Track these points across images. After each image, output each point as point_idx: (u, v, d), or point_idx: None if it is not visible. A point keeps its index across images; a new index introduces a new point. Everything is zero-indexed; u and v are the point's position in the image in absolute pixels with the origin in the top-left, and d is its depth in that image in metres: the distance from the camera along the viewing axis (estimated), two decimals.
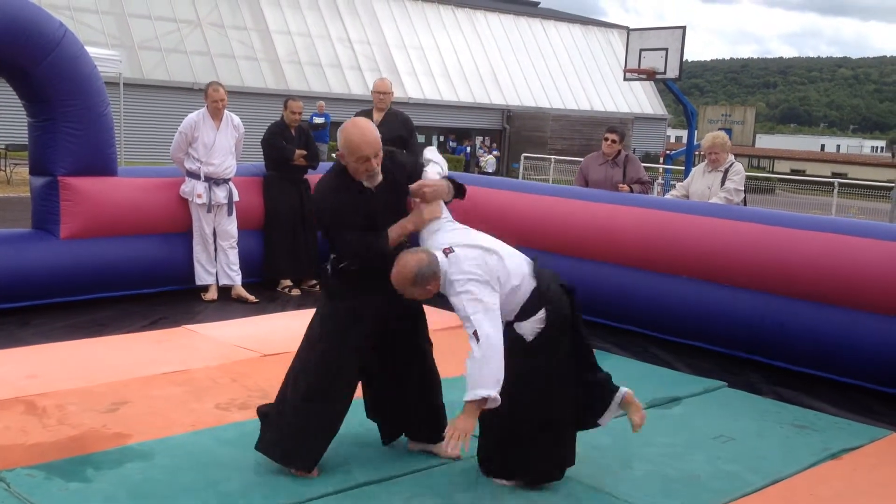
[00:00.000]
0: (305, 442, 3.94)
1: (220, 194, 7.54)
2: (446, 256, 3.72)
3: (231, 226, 7.64)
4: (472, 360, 3.60)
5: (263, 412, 4.11)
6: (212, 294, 7.57)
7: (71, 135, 6.95)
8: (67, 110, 6.91)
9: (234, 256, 7.66)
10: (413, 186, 3.92)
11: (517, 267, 3.84)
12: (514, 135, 36.40)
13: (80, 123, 6.97)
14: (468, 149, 33.70)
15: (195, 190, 7.46)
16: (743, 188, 7.35)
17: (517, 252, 3.97)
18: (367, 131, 3.78)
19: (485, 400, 3.58)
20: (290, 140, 8.05)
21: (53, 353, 5.70)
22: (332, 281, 4.03)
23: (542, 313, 3.82)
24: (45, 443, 4.20)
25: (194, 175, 7.49)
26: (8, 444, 4.15)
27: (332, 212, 3.88)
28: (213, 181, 7.49)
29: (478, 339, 3.59)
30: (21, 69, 6.72)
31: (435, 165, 4.07)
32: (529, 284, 3.84)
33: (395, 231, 3.91)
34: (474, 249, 3.75)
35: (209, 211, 7.51)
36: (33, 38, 6.58)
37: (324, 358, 3.96)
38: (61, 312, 6.78)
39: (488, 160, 31.35)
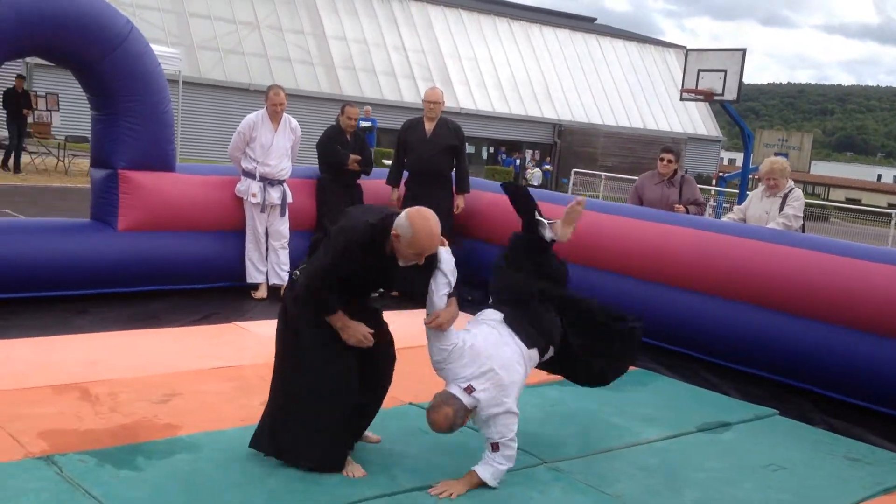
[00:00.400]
0: (337, 443, 4.00)
1: (275, 195, 7.60)
2: (469, 395, 3.95)
3: (283, 226, 7.70)
4: (499, 465, 4.00)
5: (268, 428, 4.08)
6: (261, 293, 7.63)
7: (132, 129, 7.06)
8: (130, 105, 7.03)
9: (284, 256, 7.72)
10: (429, 324, 3.97)
11: (518, 355, 4.14)
12: (565, 149, 36.29)
13: (142, 119, 7.09)
14: (517, 161, 33.68)
15: (250, 189, 7.54)
16: (802, 215, 7.24)
17: (503, 329, 4.20)
18: (435, 235, 3.84)
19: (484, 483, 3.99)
20: (345, 145, 8.10)
21: (109, 341, 5.79)
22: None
23: (551, 349, 4.40)
24: (97, 429, 4.26)
25: (250, 175, 7.56)
26: (62, 429, 4.22)
27: (348, 258, 3.84)
28: (267, 182, 7.55)
29: (506, 453, 4.00)
30: (87, 63, 6.85)
31: (443, 277, 4.06)
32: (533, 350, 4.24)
33: (348, 331, 3.91)
34: (490, 376, 3.99)
35: (263, 211, 7.58)
36: (100, 33, 6.72)
37: (321, 357, 3.96)
38: (117, 302, 6.89)
39: (534, 173, 31.30)
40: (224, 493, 3.72)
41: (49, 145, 18.53)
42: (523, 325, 4.24)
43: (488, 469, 4.01)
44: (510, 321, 4.23)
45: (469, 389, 3.95)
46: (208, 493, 3.70)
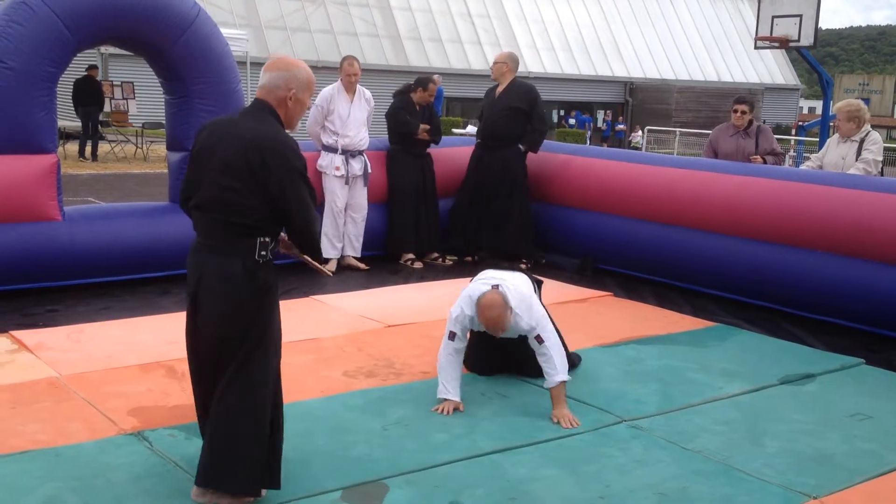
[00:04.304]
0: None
1: (356, 166, 7.68)
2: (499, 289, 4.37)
3: (363, 198, 7.78)
4: (546, 355, 4.32)
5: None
6: (331, 267, 7.71)
7: (205, 111, 7.15)
8: (201, 87, 7.14)
9: (361, 228, 7.81)
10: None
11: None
12: (637, 107, 35.72)
13: (214, 100, 7.18)
14: (589, 120, 33.36)
15: (333, 163, 7.61)
16: (881, 158, 7.02)
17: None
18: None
19: (564, 383, 4.29)
20: (414, 114, 8.11)
21: None
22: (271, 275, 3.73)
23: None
24: (184, 405, 4.37)
25: (331, 149, 7.63)
26: (150, 406, 4.36)
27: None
28: (349, 154, 7.63)
29: (547, 340, 4.35)
30: (159, 48, 6.99)
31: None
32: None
33: None
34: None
35: (347, 183, 7.66)
36: (169, 16, 6.83)
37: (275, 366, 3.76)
38: None
39: (639, 140, 30.81)
40: (309, 461, 3.81)
41: (127, 133, 18.97)
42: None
43: (553, 370, 4.29)
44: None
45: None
46: (294, 463, 3.78)
